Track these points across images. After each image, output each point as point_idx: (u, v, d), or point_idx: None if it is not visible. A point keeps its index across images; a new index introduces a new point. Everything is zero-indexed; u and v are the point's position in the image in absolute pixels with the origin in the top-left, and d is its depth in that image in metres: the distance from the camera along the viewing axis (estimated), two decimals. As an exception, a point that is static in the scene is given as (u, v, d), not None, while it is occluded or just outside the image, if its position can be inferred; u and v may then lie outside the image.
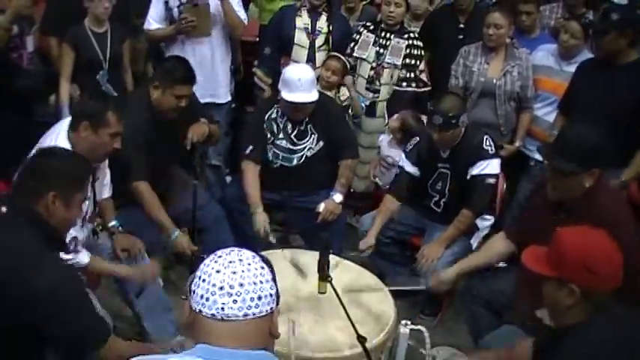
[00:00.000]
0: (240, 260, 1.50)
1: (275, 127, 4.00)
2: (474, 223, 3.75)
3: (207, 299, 1.47)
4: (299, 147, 4.00)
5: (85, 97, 3.09)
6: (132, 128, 3.27)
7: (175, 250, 3.60)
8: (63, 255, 2.82)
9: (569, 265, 2.00)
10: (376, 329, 2.70)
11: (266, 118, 4.01)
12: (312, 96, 3.85)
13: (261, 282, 1.49)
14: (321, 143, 4.00)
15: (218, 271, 1.48)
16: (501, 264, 3.41)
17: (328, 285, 2.56)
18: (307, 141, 3.99)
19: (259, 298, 1.47)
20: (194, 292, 1.49)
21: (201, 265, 1.52)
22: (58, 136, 2.92)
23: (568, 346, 1.99)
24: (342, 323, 2.51)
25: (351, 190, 4.45)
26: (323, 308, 2.68)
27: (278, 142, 3.99)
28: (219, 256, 1.52)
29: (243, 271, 1.48)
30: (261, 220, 3.78)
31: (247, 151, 3.97)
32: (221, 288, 1.46)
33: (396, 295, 3.05)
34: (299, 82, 3.79)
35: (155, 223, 3.58)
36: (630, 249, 2.13)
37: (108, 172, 3.35)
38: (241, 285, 1.46)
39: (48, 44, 4.48)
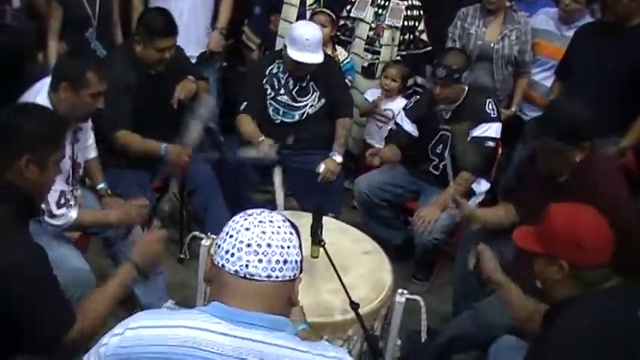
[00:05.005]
0: (271, 222, 1.48)
1: (276, 82, 3.96)
2: (470, 188, 3.71)
3: (233, 255, 1.44)
4: (300, 104, 3.96)
5: (64, 56, 2.92)
6: (115, 78, 3.20)
7: (170, 160, 3.50)
8: (55, 211, 2.77)
9: (558, 241, 2.01)
10: (371, 296, 2.65)
11: (267, 72, 3.97)
12: (318, 57, 3.82)
13: (288, 247, 1.47)
14: (323, 101, 3.98)
15: (247, 229, 1.46)
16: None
17: (321, 249, 2.52)
18: (309, 98, 3.97)
19: (285, 262, 1.45)
20: (219, 246, 1.47)
21: (230, 222, 1.50)
22: (37, 96, 2.81)
23: (559, 322, 2.01)
24: (335, 288, 2.46)
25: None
26: (317, 271, 2.63)
27: (279, 97, 3.96)
28: (250, 214, 1.50)
29: (272, 232, 1.46)
30: (265, 143, 3.77)
31: (242, 107, 3.95)
32: (248, 245, 1.44)
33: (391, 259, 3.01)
34: (307, 41, 3.76)
35: (144, 185, 3.54)
36: (626, 219, 2.13)
37: (92, 133, 3.26)
38: (269, 245, 1.44)
39: (36, 0, 4.35)
